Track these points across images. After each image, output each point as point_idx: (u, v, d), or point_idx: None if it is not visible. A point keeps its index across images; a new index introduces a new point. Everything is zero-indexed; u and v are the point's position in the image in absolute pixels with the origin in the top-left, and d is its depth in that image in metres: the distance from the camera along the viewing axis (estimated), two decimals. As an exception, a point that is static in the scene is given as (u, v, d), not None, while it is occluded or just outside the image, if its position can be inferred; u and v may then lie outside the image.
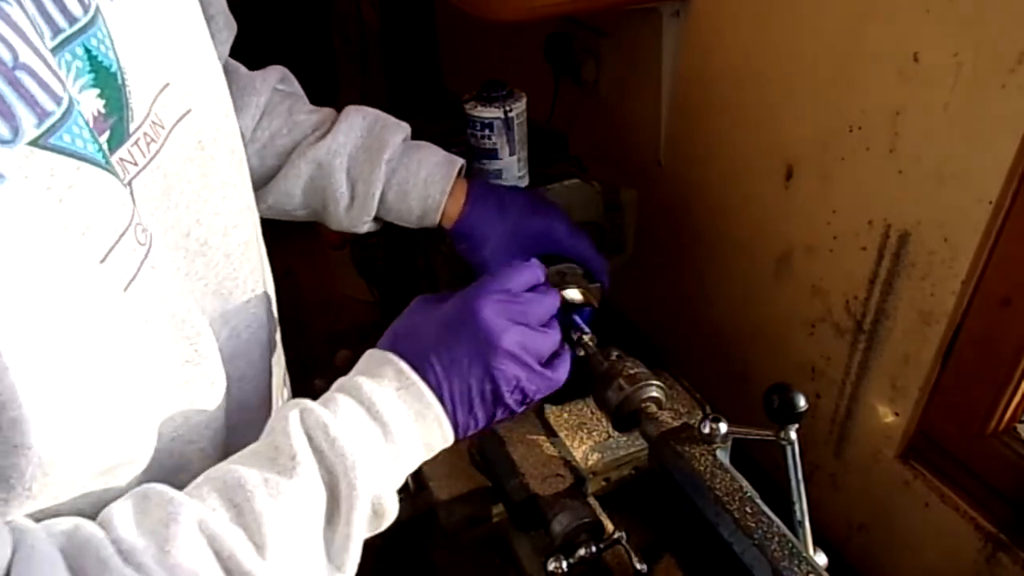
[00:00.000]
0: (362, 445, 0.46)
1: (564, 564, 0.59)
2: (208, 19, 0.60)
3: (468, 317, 0.53)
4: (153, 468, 0.45)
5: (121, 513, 0.40)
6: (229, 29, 0.68)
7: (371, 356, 0.53)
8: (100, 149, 0.39)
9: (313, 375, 1.28)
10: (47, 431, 0.35)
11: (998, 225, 0.62)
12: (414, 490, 0.72)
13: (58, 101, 0.37)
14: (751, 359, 0.96)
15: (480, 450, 0.71)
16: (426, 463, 0.73)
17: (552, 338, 0.57)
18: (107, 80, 0.41)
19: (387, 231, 0.80)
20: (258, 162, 0.73)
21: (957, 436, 0.73)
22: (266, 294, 0.60)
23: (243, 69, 0.74)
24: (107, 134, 0.41)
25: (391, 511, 0.48)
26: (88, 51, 0.40)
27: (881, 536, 0.84)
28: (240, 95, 0.71)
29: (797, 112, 0.77)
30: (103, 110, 0.41)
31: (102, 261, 0.39)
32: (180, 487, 0.43)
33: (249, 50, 0.73)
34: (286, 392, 0.68)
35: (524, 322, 0.54)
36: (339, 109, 0.76)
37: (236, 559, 0.40)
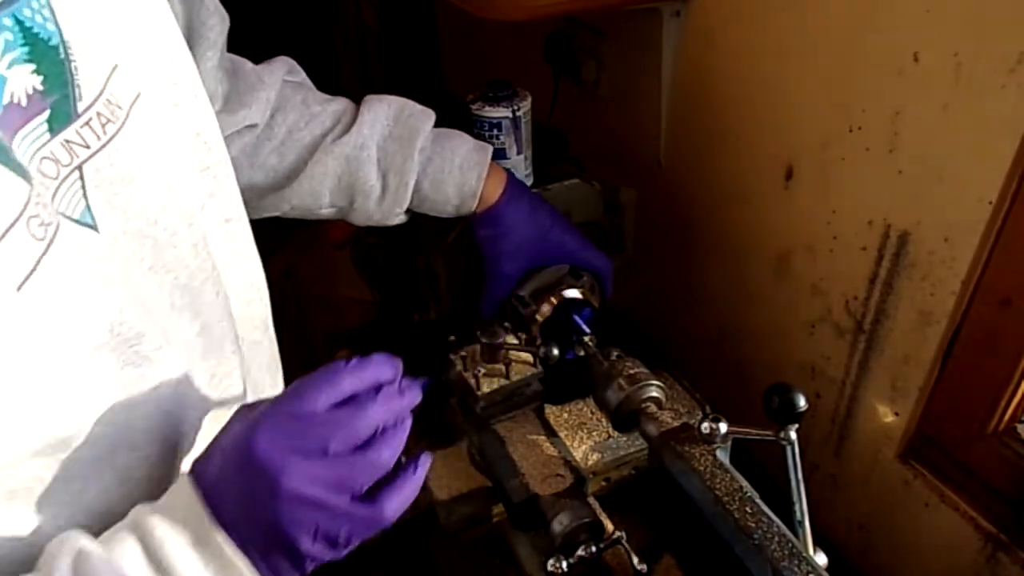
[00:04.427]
0: None
1: (564, 564, 0.59)
2: (192, 4, 0.58)
3: (245, 450, 0.42)
4: (92, 472, 0.42)
5: None
6: (220, 18, 0.63)
7: (181, 480, 0.43)
8: None
9: (313, 375, 1.28)
10: None
11: (998, 225, 0.62)
12: (414, 490, 0.72)
13: None
14: (751, 359, 0.96)
15: (480, 450, 0.71)
16: (426, 463, 0.73)
17: (375, 463, 0.44)
18: (45, 54, 0.39)
19: (387, 231, 0.80)
20: (277, 159, 0.71)
21: (957, 436, 0.73)
22: (249, 286, 0.59)
23: (248, 64, 0.71)
24: (47, 113, 0.39)
25: None
26: (20, 22, 0.37)
27: (881, 536, 0.84)
28: (248, 91, 0.68)
29: (797, 112, 0.77)
30: (40, 87, 0.38)
31: None
32: (123, 499, 0.43)
33: (250, 50, 0.73)
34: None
35: (324, 448, 0.42)
36: None
37: None
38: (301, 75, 0.75)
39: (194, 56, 0.57)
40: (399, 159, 0.71)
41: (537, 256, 0.78)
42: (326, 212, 0.74)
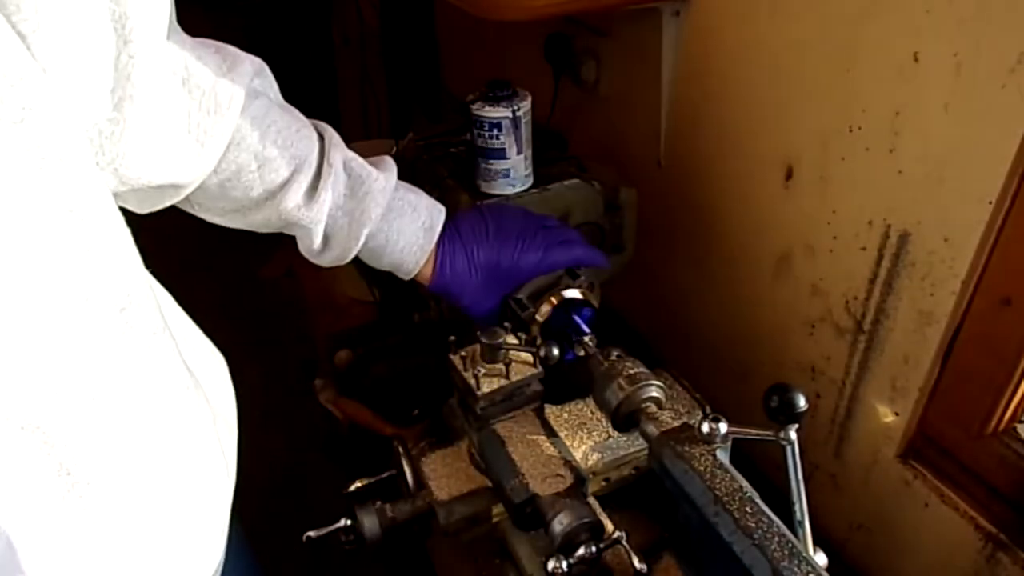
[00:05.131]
0: None
1: (564, 564, 0.59)
2: None
3: None
4: None
5: None
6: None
7: None
8: None
9: (313, 375, 1.28)
10: None
11: (998, 225, 0.62)
12: (414, 490, 0.72)
13: None
14: (751, 359, 0.96)
15: (480, 450, 0.71)
16: (426, 463, 0.74)
17: None
18: None
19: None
20: (219, 190, 0.63)
21: (957, 436, 0.73)
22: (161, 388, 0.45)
23: (206, 80, 0.55)
24: None
25: None
26: None
27: (881, 536, 0.84)
28: (205, 121, 0.56)
29: (797, 112, 0.77)
30: None
31: None
32: None
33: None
34: None
35: None
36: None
37: None
38: (267, 79, 0.65)
39: (133, 55, 0.45)
40: (344, 234, 0.69)
41: (502, 289, 0.77)
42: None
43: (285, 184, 0.64)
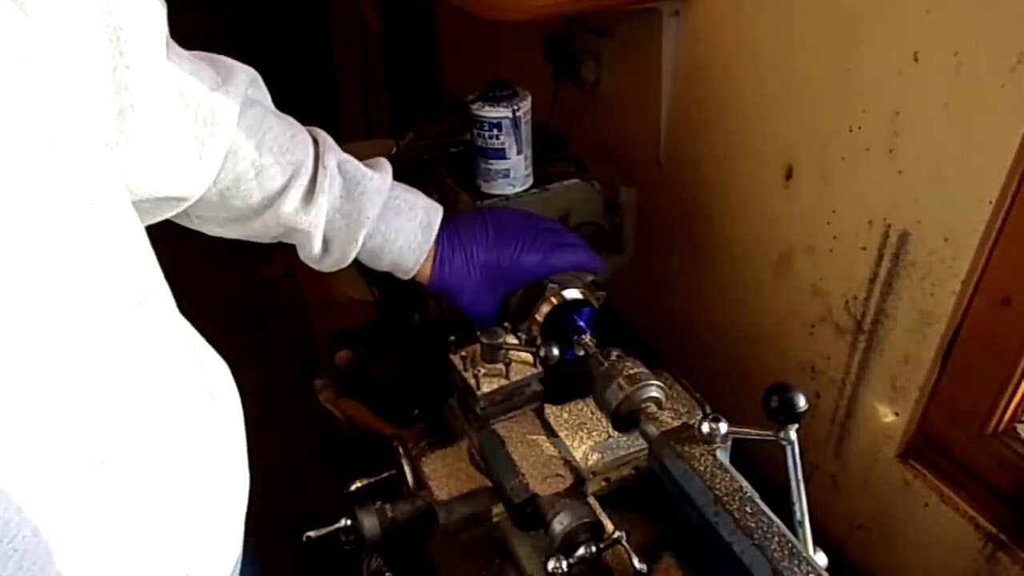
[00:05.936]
0: None
1: (564, 564, 0.59)
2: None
3: None
4: None
5: None
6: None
7: None
8: None
9: (313, 375, 1.28)
10: None
11: (998, 225, 0.62)
12: (414, 490, 0.72)
13: None
14: (751, 359, 0.96)
15: (480, 450, 0.71)
16: (426, 463, 0.74)
17: None
18: None
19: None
20: (219, 200, 0.65)
21: (957, 436, 0.73)
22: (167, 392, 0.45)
23: (201, 94, 0.56)
24: None
25: None
26: None
27: (881, 536, 0.84)
28: (202, 133, 0.57)
29: (797, 112, 0.77)
30: None
31: None
32: None
33: (249, 50, 0.72)
34: None
35: None
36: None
37: None
38: (260, 88, 0.66)
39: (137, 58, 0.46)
40: (343, 236, 0.69)
41: (501, 290, 0.77)
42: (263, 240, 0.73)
43: (283, 190, 0.65)
